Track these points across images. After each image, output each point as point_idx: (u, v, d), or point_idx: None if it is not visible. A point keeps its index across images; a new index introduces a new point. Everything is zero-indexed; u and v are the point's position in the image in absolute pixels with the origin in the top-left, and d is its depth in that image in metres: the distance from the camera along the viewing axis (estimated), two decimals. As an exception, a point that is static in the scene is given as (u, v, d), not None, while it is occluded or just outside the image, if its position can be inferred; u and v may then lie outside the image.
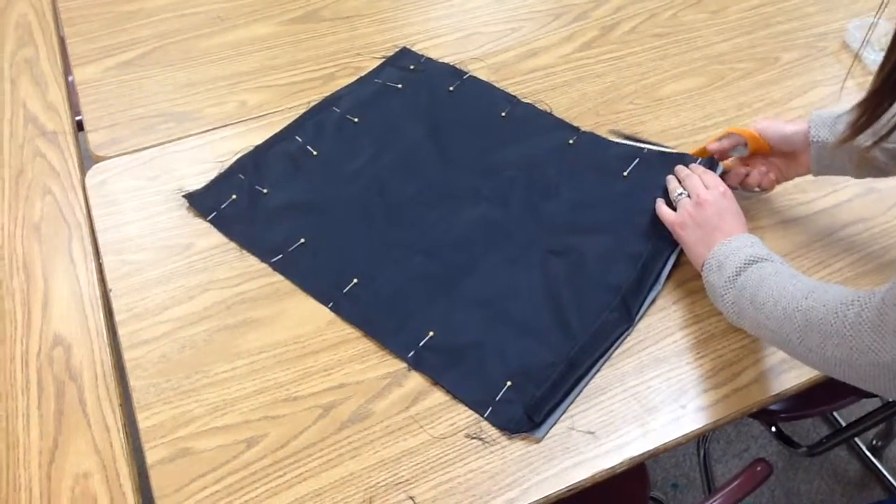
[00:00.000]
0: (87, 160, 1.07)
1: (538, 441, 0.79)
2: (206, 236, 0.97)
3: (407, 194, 1.02)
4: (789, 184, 1.03)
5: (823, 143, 0.90)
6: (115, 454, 0.79)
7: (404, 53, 1.22)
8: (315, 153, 1.07)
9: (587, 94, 1.16)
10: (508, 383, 0.83)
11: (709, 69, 1.21)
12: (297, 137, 1.09)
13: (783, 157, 0.97)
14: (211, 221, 0.99)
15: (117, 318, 0.89)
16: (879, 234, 0.98)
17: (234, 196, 1.01)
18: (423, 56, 1.21)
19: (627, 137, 1.09)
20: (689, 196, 0.91)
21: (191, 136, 1.09)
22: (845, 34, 1.23)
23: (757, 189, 0.99)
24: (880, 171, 0.90)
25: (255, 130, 1.10)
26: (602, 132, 1.09)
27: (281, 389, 0.83)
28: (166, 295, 0.91)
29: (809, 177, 1.03)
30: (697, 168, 0.95)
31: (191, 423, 0.81)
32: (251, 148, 1.07)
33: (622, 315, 0.89)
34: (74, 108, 1.15)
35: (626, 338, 0.87)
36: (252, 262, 0.94)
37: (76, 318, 0.89)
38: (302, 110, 1.13)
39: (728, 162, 1.01)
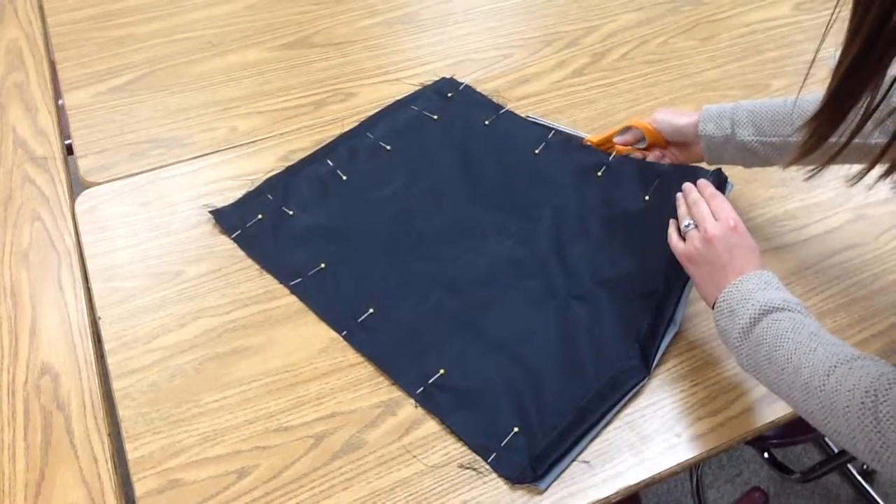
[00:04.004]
0: (76, 186, 1.07)
1: (539, 494, 0.77)
2: (197, 263, 0.96)
3: (432, 226, 1.01)
4: (779, 210, 1.04)
5: (711, 136, 0.95)
6: (104, 486, 0.77)
7: (444, 81, 1.22)
8: (344, 178, 1.06)
9: (578, 121, 1.16)
10: (515, 429, 0.81)
11: (699, 96, 1.21)
12: (329, 161, 1.08)
13: (678, 146, 1.02)
14: (235, 240, 0.98)
15: (106, 346, 0.88)
16: (871, 260, 0.98)
17: (259, 216, 1.01)
18: (462, 84, 1.21)
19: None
20: (696, 227, 0.85)
21: (182, 161, 1.09)
22: (831, 61, 1.24)
23: None
24: (765, 162, 0.94)
25: (246, 157, 1.10)
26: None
27: (272, 419, 0.82)
28: (156, 323, 0.90)
29: (800, 204, 1.05)
30: (706, 190, 0.89)
31: (181, 453, 0.80)
32: (282, 168, 1.07)
33: (638, 364, 0.86)
34: (64, 133, 1.15)
35: (640, 389, 0.85)
36: (243, 290, 0.94)
37: (64, 346, 0.88)
38: (293, 136, 1.13)
39: (630, 148, 1.05)
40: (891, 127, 0.60)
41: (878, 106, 0.57)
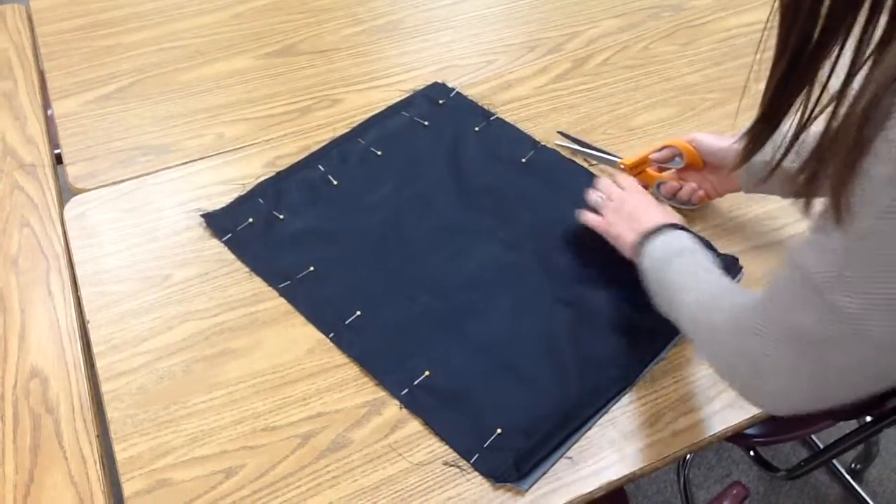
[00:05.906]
0: (65, 193, 1.08)
1: (522, 493, 0.78)
2: (185, 267, 0.97)
3: (421, 231, 1.02)
4: (759, 211, 1.05)
5: (752, 161, 0.93)
6: (92, 487, 0.78)
7: (435, 87, 1.23)
8: (335, 183, 1.08)
9: (561, 125, 1.18)
10: (498, 431, 0.82)
11: (680, 99, 1.23)
12: (320, 166, 1.10)
13: (715, 171, 1.01)
14: (225, 243, 1.00)
15: (95, 349, 0.89)
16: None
17: (250, 219, 1.02)
18: (453, 90, 1.22)
19: (574, 140, 1.14)
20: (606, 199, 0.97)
21: (169, 168, 1.10)
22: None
23: (688, 203, 1.04)
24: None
25: (233, 163, 1.11)
26: (565, 151, 1.13)
27: (259, 419, 0.83)
28: (144, 326, 0.91)
29: (779, 204, 1.06)
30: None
31: (168, 454, 0.81)
32: (273, 173, 1.09)
33: (622, 373, 0.87)
34: (53, 141, 1.16)
35: (623, 396, 0.86)
36: (231, 293, 0.95)
37: (53, 350, 0.89)
38: (279, 142, 1.14)
39: (664, 174, 1.05)
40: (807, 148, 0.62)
41: (808, 121, 0.61)
